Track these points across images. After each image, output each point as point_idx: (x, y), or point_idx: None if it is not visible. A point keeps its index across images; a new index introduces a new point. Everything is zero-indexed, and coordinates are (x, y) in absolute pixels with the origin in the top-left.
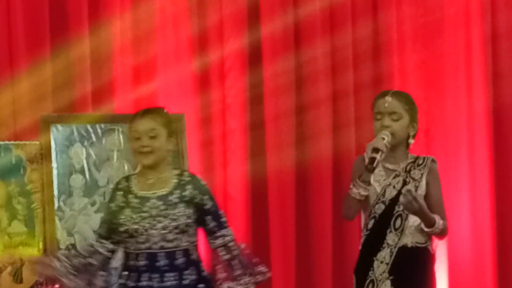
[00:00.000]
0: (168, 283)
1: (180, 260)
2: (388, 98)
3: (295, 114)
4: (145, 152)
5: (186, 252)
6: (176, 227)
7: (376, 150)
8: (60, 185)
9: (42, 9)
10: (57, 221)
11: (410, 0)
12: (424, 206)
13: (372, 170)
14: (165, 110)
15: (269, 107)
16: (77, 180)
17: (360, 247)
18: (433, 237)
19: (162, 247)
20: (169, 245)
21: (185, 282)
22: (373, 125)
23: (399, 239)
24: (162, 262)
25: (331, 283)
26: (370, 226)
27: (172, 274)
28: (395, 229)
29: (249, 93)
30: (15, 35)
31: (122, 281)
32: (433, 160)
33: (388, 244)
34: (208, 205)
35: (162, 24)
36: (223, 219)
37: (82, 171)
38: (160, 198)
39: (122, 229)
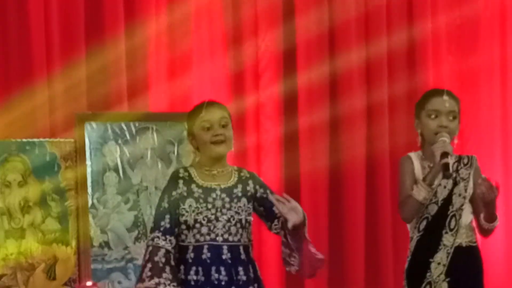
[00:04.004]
0: (238, 277)
1: (243, 256)
2: (446, 97)
3: (329, 115)
4: (219, 141)
5: (246, 249)
6: (239, 221)
7: (445, 154)
8: (93, 182)
9: (77, 8)
10: (90, 218)
11: (445, 4)
12: None
13: (450, 176)
14: None
15: (303, 107)
16: (110, 178)
17: (411, 248)
18: (479, 235)
19: (225, 240)
20: (233, 238)
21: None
22: (425, 122)
23: (454, 239)
24: (227, 255)
25: (363, 284)
26: (422, 227)
27: (240, 268)
28: (450, 230)
29: (284, 93)
30: (51, 34)
31: (190, 277)
32: (476, 159)
33: (444, 245)
34: (269, 196)
35: (196, 23)
36: None
37: (116, 169)
38: (224, 190)
39: (181, 219)
